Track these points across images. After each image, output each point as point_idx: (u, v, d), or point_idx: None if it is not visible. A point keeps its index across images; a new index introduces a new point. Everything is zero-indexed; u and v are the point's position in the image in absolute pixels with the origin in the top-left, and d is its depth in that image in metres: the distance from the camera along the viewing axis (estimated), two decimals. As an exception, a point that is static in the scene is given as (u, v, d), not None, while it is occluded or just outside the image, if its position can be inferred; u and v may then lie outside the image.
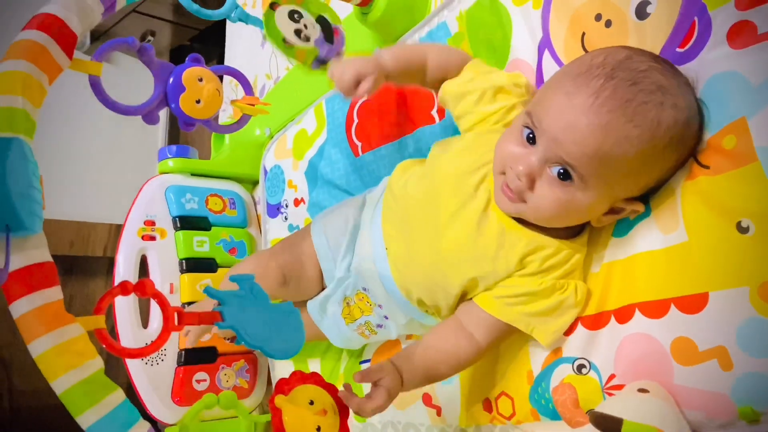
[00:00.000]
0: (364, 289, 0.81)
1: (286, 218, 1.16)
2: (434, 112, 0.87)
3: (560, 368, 0.66)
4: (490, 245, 0.67)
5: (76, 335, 0.49)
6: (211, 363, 1.09)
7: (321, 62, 0.79)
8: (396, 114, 0.93)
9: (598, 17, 0.66)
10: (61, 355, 0.47)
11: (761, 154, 0.52)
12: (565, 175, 0.58)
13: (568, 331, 0.66)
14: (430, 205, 0.72)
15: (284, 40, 0.78)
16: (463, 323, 0.69)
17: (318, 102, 1.09)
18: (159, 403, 1.03)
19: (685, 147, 0.57)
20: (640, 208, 0.61)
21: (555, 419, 0.66)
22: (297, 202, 1.14)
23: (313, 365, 1.05)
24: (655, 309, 0.59)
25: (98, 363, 0.49)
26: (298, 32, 0.78)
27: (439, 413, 0.81)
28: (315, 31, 0.79)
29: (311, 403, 0.64)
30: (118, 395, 0.50)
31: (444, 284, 0.71)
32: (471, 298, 0.69)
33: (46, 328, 0.47)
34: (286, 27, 0.77)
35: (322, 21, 0.80)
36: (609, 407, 0.54)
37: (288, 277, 0.89)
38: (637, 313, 0.60)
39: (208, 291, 0.59)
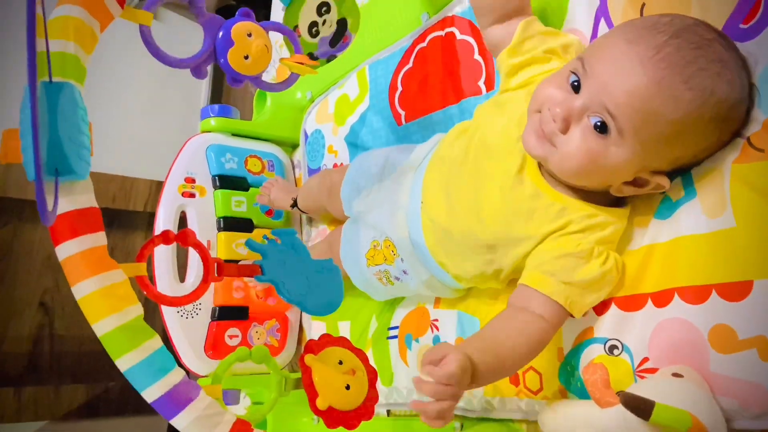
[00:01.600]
0: (392, 239, 0.82)
1: (324, 181, 1.16)
2: (481, 83, 0.86)
3: (591, 348, 0.65)
4: (523, 206, 0.66)
5: (119, 281, 0.50)
6: (243, 320, 1.11)
7: (312, 57, 0.80)
8: (441, 83, 0.92)
9: (660, -15, 0.64)
10: (104, 298, 0.49)
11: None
12: (602, 127, 0.57)
13: (601, 311, 0.65)
14: (470, 163, 0.72)
15: (295, 27, 0.78)
16: (517, 304, 0.66)
17: (361, 67, 1.08)
18: (192, 355, 1.07)
19: (727, 127, 0.56)
20: (665, 182, 0.59)
21: (583, 398, 0.66)
22: (336, 167, 1.14)
23: (343, 327, 1.07)
24: (696, 294, 0.57)
25: (138, 309, 0.51)
26: (312, 25, 0.79)
27: (465, 384, 0.81)
28: (328, 31, 0.80)
29: (340, 363, 0.65)
30: (156, 341, 0.51)
31: (479, 244, 0.71)
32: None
33: (90, 272, 0.49)
34: (306, 15, 0.78)
35: (341, 24, 0.80)
36: (641, 389, 0.53)
37: (332, 191, 0.97)
38: (676, 298, 0.59)
39: (250, 243, 0.60)
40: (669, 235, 0.61)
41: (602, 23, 0.69)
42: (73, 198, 0.49)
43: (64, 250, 0.49)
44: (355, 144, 1.08)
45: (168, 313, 1.07)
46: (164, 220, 1.10)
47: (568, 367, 0.68)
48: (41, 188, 0.43)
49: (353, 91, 1.10)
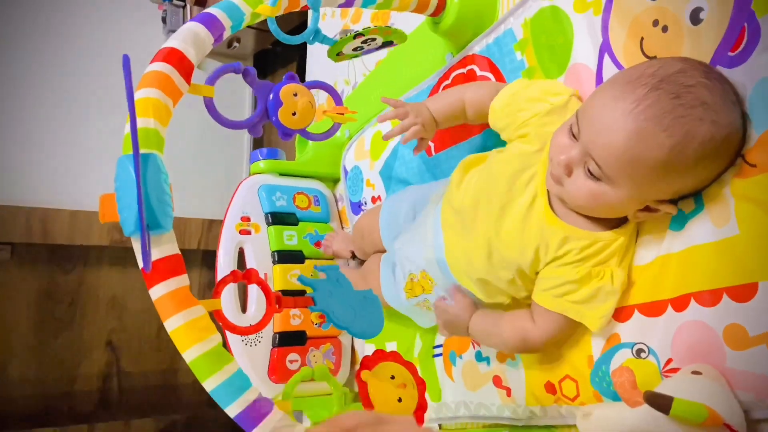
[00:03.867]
0: (427, 271, 0.90)
1: (364, 214, 1.25)
2: (502, 114, 0.93)
3: (620, 353, 0.71)
4: (534, 236, 0.74)
5: (200, 315, 0.59)
6: (301, 345, 1.20)
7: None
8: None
9: (656, 23, 0.70)
10: (190, 330, 0.58)
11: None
12: (593, 175, 0.64)
13: (624, 318, 0.71)
14: (484, 199, 0.80)
15: (338, 54, 0.88)
16: (531, 312, 0.78)
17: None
18: (257, 380, 1.16)
19: (722, 160, 0.61)
20: (672, 210, 0.66)
21: (616, 400, 0.71)
22: (374, 200, 1.23)
23: (390, 347, 1.14)
24: (709, 298, 0.63)
25: (218, 338, 0.60)
26: (357, 48, 0.88)
27: (509, 394, 0.87)
28: (373, 45, 0.89)
29: (392, 377, 0.73)
30: (234, 365, 0.60)
31: (496, 272, 0.79)
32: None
33: (177, 308, 0.58)
34: (349, 47, 0.87)
35: (387, 44, 0.89)
36: (665, 388, 0.59)
37: (364, 235, 1.10)
38: (693, 302, 0.64)
39: (302, 279, 0.69)
40: (683, 245, 0.67)
41: (606, 58, 0.76)
42: (162, 247, 0.59)
43: (156, 292, 0.58)
44: (389, 176, 1.17)
45: (234, 342, 1.17)
46: (224, 257, 1.21)
47: (599, 372, 0.73)
48: (145, 242, 0.53)
49: (387, 128, 1.18)
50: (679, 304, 0.66)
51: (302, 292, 0.70)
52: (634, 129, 0.59)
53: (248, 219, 1.25)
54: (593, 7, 0.78)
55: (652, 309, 0.69)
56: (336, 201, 1.40)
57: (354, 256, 1.20)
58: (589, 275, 0.70)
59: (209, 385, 0.58)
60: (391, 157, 1.16)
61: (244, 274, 0.65)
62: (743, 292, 0.60)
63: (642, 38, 0.72)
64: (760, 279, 0.58)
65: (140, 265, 0.58)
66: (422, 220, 0.92)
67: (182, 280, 0.59)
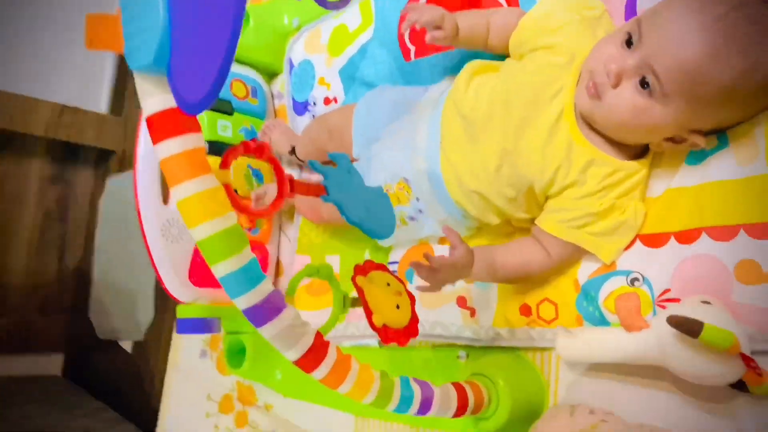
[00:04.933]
0: (406, 180, 0.84)
1: (314, 117, 1.14)
2: (503, 25, 0.87)
3: (614, 280, 0.71)
4: (558, 154, 0.70)
5: (217, 185, 0.48)
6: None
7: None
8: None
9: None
10: (208, 201, 0.47)
11: None
12: (647, 86, 0.62)
13: (626, 247, 0.71)
14: (502, 109, 0.74)
15: None
16: (537, 239, 0.74)
17: (362, -5, 1.06)
18: (176, 280, 1.03)
19: None
20: (701, 142, 0.65)
21: (600, 325, 0.72)
22: (327, 101, 1.12)
23: (332, 261, 1.07)
24: (724, 233, 0.64)
25: (235, 216, 0.49)
26: None
27: (473, 314, 0.85)
28: None
29: (388, 285, 0.67)
30: (249, 251, 0.50)
31: (500, 187, 0.75)
32: (535, 223, 0.75)
33: (194, 173, 0.47)
34: None
35: None
36: (682, 313, 0.60)
37: (333, 135, 0.98)
38: (704, 236, 0.66)
39: (312, 164, 0.60)
40: (697, 179, 0.68)
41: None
42: (165, 96, 0.46)
43: (167, 149, 0.46)
44: (352, 77, 1.07)
45: (151, 232, 1.02)
46: (146, 142, 1.04)
47: (588, 296, 0.73)
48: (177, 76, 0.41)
49: (353, 21, 1.07)
50: (686, 237, 0.67)
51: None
52: (711, 44, 0.57)
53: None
54: None
55: (655, 240, 0.70)
56: (273, 97, 1.26)
57: (292, 153, 1.08)
58: (612, 207, 0.69)
59: (221, 269, 0.49)
60: (357, 56, 1.06)
61: (255, 148, 0.54)
62: (764, 230, 0.61)
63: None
64: (787, 217, 0.60)
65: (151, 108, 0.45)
66: (411, 125, 0.85)
67: (200, 140, 0.48)
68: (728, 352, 0.56)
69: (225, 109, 1.13)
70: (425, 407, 0.64)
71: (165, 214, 1.03)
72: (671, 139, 0.66)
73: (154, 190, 1.02)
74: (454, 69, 0.92)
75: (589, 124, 0.70)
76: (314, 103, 1.14)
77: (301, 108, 1.16)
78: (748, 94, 0.60)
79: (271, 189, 1.12)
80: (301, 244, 1.14)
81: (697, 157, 0.68)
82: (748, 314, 0.61)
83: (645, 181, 0.71)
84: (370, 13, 1.04)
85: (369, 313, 0.63)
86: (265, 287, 0.50)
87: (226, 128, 1.12)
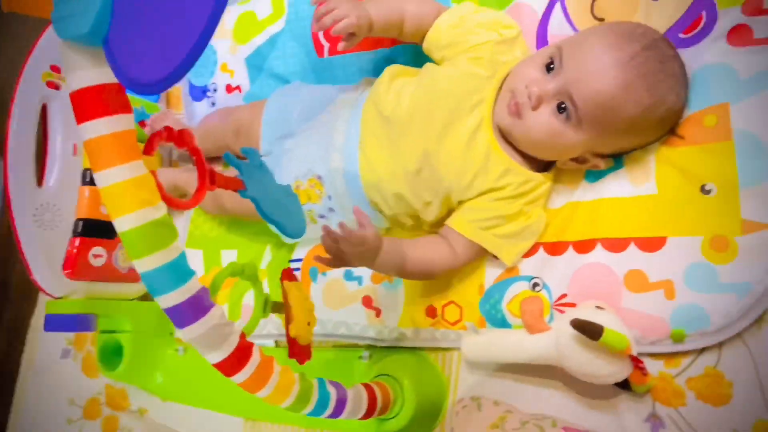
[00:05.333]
0: (319, 177, 0.82)
1: (213, 104, 1.09)
2: (420, 32, 0.89)
3: (517, 284, 0.76)
4: (476, 161, 0.73)
5: (146, 173, 0.44)
6: (109, 239, 1.00)
7: None
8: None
9: (614, -13, 0.75)
10: (137, 189, 0.44)
11: (737, 135, 0.65)
12: (565, 112, 0.67)
13: (529, 254, 0.76)
14: (424, 114, 0.75)
15: None
16: (446, 238, 0.76)
17: (275, -15, 1.03)
18: (47, 272, 0.93)
19: (665, 129, 0.69)
20: (601, 164, 0.72)
21: (502, 327, 0.76)
22: (230, 89, 1.07)
23: (228, 256, 1.03)
24: (616, 245, 0.70)
25: (165, 206, 0.46)
26: None
27: (378, 314, 0.86)
28: None
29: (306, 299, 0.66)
30: (179, 245, 0.46)
31: (418, 190, 0.76)
32: (445, 224, 0.77)
33: (123, 158, 0.43)
34: None
35: None
36: (581, 316, 0.65)
37: (240, 131, 0.94)
38: (599, 247, 0.72)
39: (228, 157, 0.57)
40: (595, 195, 0.74)
41: (557, 8, 0.78)
42: (106, 70, 0.42)
43: (94, 129, 0.42)
44: (259, 67, 1.03)
45: (21, 217, 0.91)
46: (22, 113, 0.93)
47: (491, 300, 0.77)
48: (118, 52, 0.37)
49: (263, 10, 1.04)
50: (583, 247, 0.73)
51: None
52: (623, 79, 0.63)
53: (60, 70, 0.97)
54: (553, -51, 0.79)
55: (555, 248, 0.75)
56: (165, 79, 1.18)
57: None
58: (520, 213, 0.73)
59: (146, 264, 0.45)
60: (265, 46, 1.02)
61: (177, 134, 0.51)
62: (651, 243, 0.68)
63: (596, -5, 0.76)
64: (670, 234, 0.67)
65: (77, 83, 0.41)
66: (327, 123, 0.83)
67: (129, 122, 0.43)
68: (622, 353, 0.62)
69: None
70: (339, 410, 0.64)
71: (39, 198, 0.93)
72: (576, 159, 0.72)
73: (27, 170, 0.92)
74: (370, 70, 0.92)
75: (504, 136, 0.73)
76: (214, 90, 1.08)
77: (199, 93, 1.10)
78: (649, 126, 0.67)
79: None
80: (193, 236, 1.07)
81: (596, 175, 0.74)
82: (635, 319, 0.68)
83: (548, 193, 0.76)
84: (282, 3, 1.01)
85: (289, 320, 0.61)
86: (193, 284, 0.47)
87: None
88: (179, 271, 0.46)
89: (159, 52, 0.35)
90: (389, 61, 0.90)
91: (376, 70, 0.91)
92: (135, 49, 0.37)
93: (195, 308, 0.47)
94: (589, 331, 0.61)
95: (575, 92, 0.65)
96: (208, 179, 0.53)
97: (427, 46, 0.81)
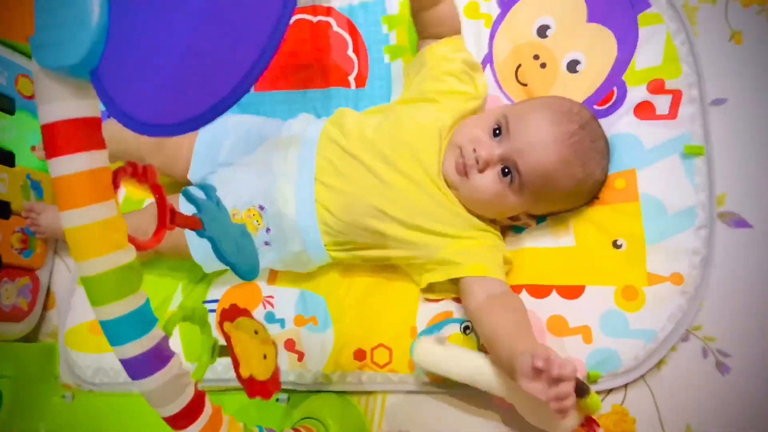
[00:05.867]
0: (261, 208, 0.80)
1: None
2: (352, 78, 0.91)
3: (449, 327, 0.78)
4: (447, 208, 0.75)
5: (117, 213, 0.41)
6: (-10, 271, 0.90)
7: None
8: (309, 65, 0.93)
9: (536, 57, 0.82)
10: (107, 231, 0.40)
11: (643, 198, 0.74)
12: (510, 178, 0.71)
13: (458, 298, 0.79)
14: (388, 150, 0.76)
15: None
16: (490, 294, 0.72)
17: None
18: None
19: (590, 197, 0.76)
20: (532, 223, 0.78)
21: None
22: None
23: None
24: (539, 291, 0.76)
25: (134, 249, 0.43)
26: None
27: (300, 358, 0.84)
28: None
29: (256, 332, 0.64)
30: (144, 292, 0.44)
31: (374, 225, 0.76)
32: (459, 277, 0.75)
33: (96, 197, 0.40)
34: None
35: None
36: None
37: (163, 146, 0.88)
38: (524, 292, 0.77)
39: (187, 193, 0.55)
40: (520, 245, 0.79)
41: (488, 69, 0.84)
42: (87, 103, 0.39)
43: (67, 165, 0.38)
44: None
45: None
46: None
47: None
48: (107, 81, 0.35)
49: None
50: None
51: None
52: (563, 155, 0.69)
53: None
54: (485, 18, 0.85)
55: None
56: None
57: None
58: (493, 245, 0.77)
59: (109, 312, 0.42)
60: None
61: (142, 170, 0.48)
62: (571, 291, 0.75)
63: (519, 65, 0.83)
64: (588, 283, 0.74)
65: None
66: (276, 155, 0.81)
67: (104, 159, 0.41)
68: (590, 414, 0.65)
69: (4, 106, 0.95)
70: (277, 459, 0.61)
71: None
72: (511, 218, 0.77)
73: None
74: (302, 108, 0.92)
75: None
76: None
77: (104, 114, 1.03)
78: (579, 196, 0.75)
79: (49, 209, 0.96)
80: (91, 273, 0.99)
81: (519, 227, 0.80)
82: (556, 362, 0.73)
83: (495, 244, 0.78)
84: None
85: (236, 364, 0.58)
86: (156, 333, 0.44)
87: (6, 129, 0.94)
88: (145, 318, 0.43)
89: (179, 88, 0.33)
90: (324, 100, 0.91)
91: (307, 109, 0.92)
92: (141, 85, 0.35)
93: (156, 359, 0.44)
94: (578, 388, 0.60)
95: (520, 161, 0.70)
96: (168, 217, 0.50)
97: (428, 53, 0.81)
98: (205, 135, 0.86)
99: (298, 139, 0.82)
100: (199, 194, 0.57)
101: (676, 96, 0.75)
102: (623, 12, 0.78)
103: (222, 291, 0.91)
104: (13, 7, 0.98)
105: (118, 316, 0.41)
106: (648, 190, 0.74)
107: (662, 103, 0.76)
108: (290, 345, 0.85)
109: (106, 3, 0.36)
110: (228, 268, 0.57)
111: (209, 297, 0.92)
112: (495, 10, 0.85)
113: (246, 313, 0.64)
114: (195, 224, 0.54)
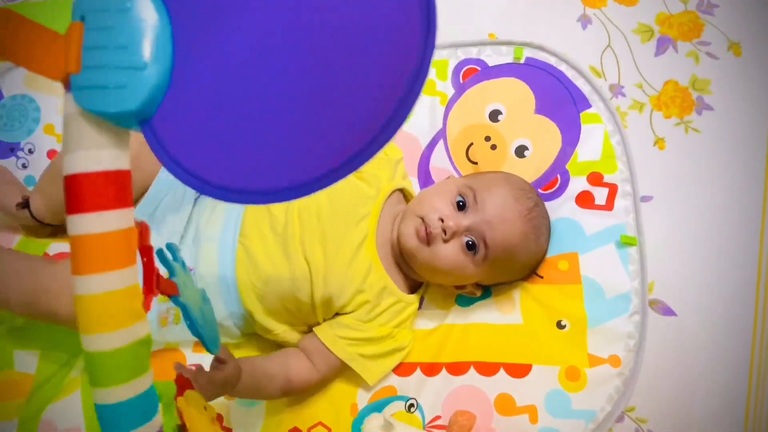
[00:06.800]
0: (190, 270, 0.73)
1: (25, 165, 0.90)
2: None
3: (394, 404, 0.76)
4: (357, 276, 0.74)
5: (136, 282, 0.36)
6: None
7: None
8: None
9: (488, 139, 0.86)
10: (127, 301, 0.35)
11: (585, 281, 0.79)
12: (473, 248, 0.73)
13: (406, 373, 0.78)
14: (314, 220, 0.74)
15: None
16: (305, 352, 0.74)
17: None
18: None
19: (534, 270, 0.80)
20: (478, 292, 0.80)
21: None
22: (53, 155, 0.91)
23: (24, 358, 0.82)
24: (487, 368, 0.77)
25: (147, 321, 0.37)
26: None
27: (229, 435, 0.77)
28: None
29: (205, 408, 0.57)
30: (152, 372, 0.38)
31: (300, 293, 0.73)
32: (313, 330, 0.75)
33: (119, 262, 0.34)
34: None
35: None
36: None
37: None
38: (472, 369, 0.77)
39: (161, 256, 0.50)
40: (466, 319, 0.80)
41: (441, 144, 0.87)
42: (123, 154, 0.34)
43: (92, 223, 0.33)
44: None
45: None
46: None
47: (364, 420, 0.76)
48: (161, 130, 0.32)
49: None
50: (457, 368, 0.78)
51: None
52: (525, 230, 0.73)
53: None
54: (440, 96, 0.88)
55: (430, 369, 0.78)
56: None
57: (23, 207, 0.80)
58: (390, 335, 0.75)
59: (113, 396, 0.35)
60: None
61: (142, 226, 0.42)
62: (519, 370, 0.76)
63: (471, 144, 0.87)
64: (534, 362, 0.76)
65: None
66: (198, 215, 0.77)
67: (131, 217, 0.35)
68: None
69: None
70: None
71: None
72: (457, 286, 0.78)
73: None
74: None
75: (389, 253, 0.77)
76: (30, 150, 0.91)
77: (5, 149, 0.91)
78: (527, 268, 0.78)
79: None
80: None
81: (467, 301, 0.81)
82: (504, 440, 0.74)
83: (415, 314, 0.80)
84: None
85: (189, 442, 0.51)
86: (157, 420, 0.38)
87: None
88: (150, 403, 0.37)
89: (278, 150, 0.30)
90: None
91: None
92: (218, 140, 0.31)
93: (150, 451, 0.38)
94: None
95: (488, 234, 0.71)
96: (155, 282, 0.44)
97: None
98: (159, 186, 0.78)
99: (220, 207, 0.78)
100: (167, 255, 0.52)
101: (612, 189, 0.82)
102: (567, 108, 0.86)
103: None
104: None
105: (121, 400, 0.35)
106: (589, 274, 0.79)
107: (600, 195, 0.82)
108: (218, 420, 0.78)
109: (170, 44, 0.33)
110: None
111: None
112: (450, 91, 0.89)
113: (191, 385, 0.57)
114: (173, 290, 0.49)
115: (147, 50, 0.32)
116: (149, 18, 0.32)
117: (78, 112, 0.32)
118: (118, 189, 0.34)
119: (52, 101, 0.92)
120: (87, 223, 0.33)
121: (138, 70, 0.32)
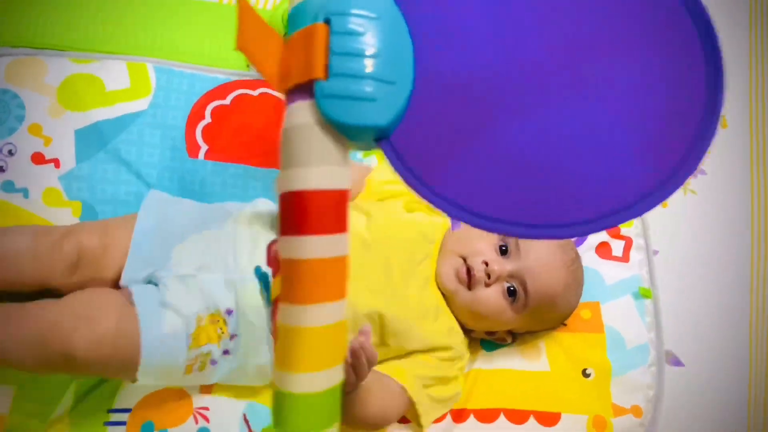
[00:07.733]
0: (227, 312, 0.66)
1: (2, 168, 0.79)
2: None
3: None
4: (429, 314, 0.71)
5: (343, 318, 0.32)
6: None
7: None
8: (268, 142, 0.85)
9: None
10: (333, 337, 0.30)
11: (607, 330, 0.81)
12: (513, 293, 0.72)
13: (437, 420, 0.74)
14: (382, 254, 0.71)
15: None
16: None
17: (138, 60, 0.86)
18: None
19: (565, 319, 0.80)
20: (509, 339, 0.79)
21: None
22: (39, 159, 0.80)
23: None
24: (518, 416, 0.76)
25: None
26: None
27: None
28: None
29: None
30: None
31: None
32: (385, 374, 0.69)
33: (330, 294, 0.30)
34: None
35: None
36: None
37: (82, 259, 0.67)
38: (502, 417, 0.75)
39: None
40: (493, 365, 0.79)
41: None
42: (349, 172, 0.31)
43: (316, 248, 0.29)
44: (96, 145, 0.81)
45: None
46: None
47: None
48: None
49: (117, 82, 0.84)
50: (486, 415, 0.76)
51: None
52: (567, 280, 0.73)
53: None
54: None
55: (459, 416, 0.76)
56: None
57: None
58: (456, 377, 0.72)
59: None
60: (110, 123, 0.81)
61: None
62: (549, 418, 0.76)
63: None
64: (564, 411, 0.76)
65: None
66: (234, 250, 0.69)
67: (346, 245, 0.31)
68: None
69: None
70: None
71: None
72: (489, 332, 0.77)
73: None
74: (260, 188, 0.83)
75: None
76: (10, 152, 0.79)
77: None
78: (561, 319, 0.78)
79: None
80: None
81: (490, 345, 0.80)
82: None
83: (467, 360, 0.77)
84: (148, 81, 0.85)
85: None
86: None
87: None
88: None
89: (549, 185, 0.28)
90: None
91: (265, 190, 0.83)
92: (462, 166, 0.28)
93: None
94: None
95: (530, 282, 0.71)
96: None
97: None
98: (142, 230, 0.69)
99: (266, 231, 0.71)
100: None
101: (628, 242, 0.86)
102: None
103: (135, 399, 0.72)
104: None
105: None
106: (611, 323, 0.81)
107: (617, 247, 0.85)
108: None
109: (412, 59, 0.30)
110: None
111: (117, 405, 0.72)
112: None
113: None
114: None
115: (398, 63, 0.29)
116: (399, 28, 0.29)
117: (318, 122, 0.28)
118: (343, 210, 0.30)
119: (41, 99, 0.82)
120: (310, 247, 0.29)
121: (390, 84, 0.29)
